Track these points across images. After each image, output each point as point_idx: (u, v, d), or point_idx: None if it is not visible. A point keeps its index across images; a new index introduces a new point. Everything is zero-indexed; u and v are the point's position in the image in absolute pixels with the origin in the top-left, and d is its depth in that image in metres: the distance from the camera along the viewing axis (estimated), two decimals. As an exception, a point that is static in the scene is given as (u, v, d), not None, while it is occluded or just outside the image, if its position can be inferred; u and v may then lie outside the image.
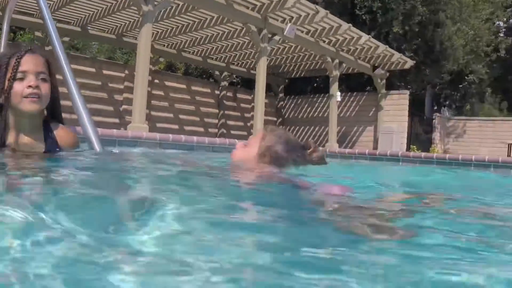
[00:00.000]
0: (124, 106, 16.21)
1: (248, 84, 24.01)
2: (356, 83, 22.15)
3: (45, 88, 2.93)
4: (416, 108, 24.37)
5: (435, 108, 29.85)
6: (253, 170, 3.07)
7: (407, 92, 19.39)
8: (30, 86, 2.85)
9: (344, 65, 17.09)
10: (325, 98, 20.36)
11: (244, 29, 14.16)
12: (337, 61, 16.66)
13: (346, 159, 11.39)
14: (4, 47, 6.18)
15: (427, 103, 28.60)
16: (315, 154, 3.17)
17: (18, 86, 2.84)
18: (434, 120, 25.44)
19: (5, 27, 5.94)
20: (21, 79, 2.85)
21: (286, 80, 22.29)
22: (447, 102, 30.76)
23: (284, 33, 13.80)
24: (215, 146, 8.70)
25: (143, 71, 10.58)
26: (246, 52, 18.10)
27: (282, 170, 3.06)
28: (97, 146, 4.04)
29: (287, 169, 3.07)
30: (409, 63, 18.29)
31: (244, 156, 3.17)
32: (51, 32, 4.65)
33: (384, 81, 19.04)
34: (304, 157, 3.13)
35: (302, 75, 21.49)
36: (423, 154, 10.87)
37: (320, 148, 3.22)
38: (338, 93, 16.95)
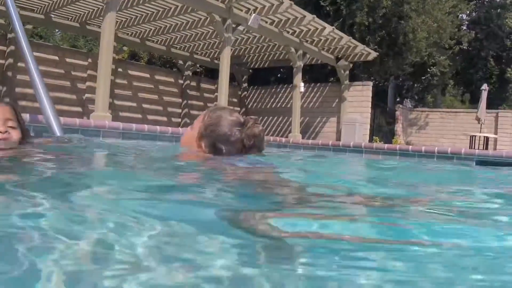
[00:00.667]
0: (87, 95, 16.09)
1: (212, 73, 24.01)
2: (319, 74, 22.30)
3: (15, 134, 3.19)
4: (378, 100, 24.62)
5: (398, 99, 30.16)
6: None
7: (371, 83, 19.55)
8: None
9: (307, 56, 17.17)
10: (289, 89, 20.43)
11: (208, 18, 14.15)
12: (300, 51, 16.74)
13: (309, 150, 11.47)
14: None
15: (389, 95, 28.89)
16: (250, 130, 3.01)
17: None
18: (396, 112, 25.71)
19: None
20: None
21: (250, 71, 22.31)
22: (410, 94, 31.13)
23: (248, 23, 13.82)
24: (178, 136, 8.71)
25: (106, 59, 10.52)
26: (210, 42, 18.06)
27: (219, 156, 2.99)
28: (57, 131, 4.07)
29: (224, 155, 2.98)
30: (373, 54, 18.44)
31: (187, 139, 3.17)
32: (13, 18, 4.64)
33: (347, 72, 19.18)
34: (240, 134, 2.99)
35: (266, 66, 21.51)
36: (386, 145, 10.97)
37: (261, 127, 3.10)
38: (302, 84, 17.03)
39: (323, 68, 21.69)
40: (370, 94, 19.28)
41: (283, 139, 12.60)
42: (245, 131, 3.00)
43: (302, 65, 16.95)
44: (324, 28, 15.73)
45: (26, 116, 6.40)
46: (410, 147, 10.81)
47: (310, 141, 12.65)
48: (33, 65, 4.42)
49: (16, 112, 3.30)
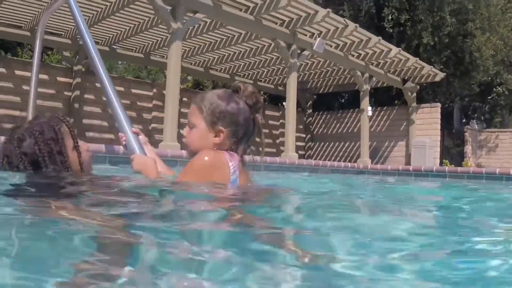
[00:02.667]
0: (153, 125, 16.19)
1: (276, 100, 23.88)
2: (384, 97, 21.88)
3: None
4: (444, 122, 23.96)
5: (464, 121, 29.40)
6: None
7: (439, 105, 19.04)
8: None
9: (374, 79, 16.82)
10: (354, 113, 20.13)
11: (272, 45, 14.04)
12: (367, 75, 16.42)
13: (388, 175, 11.06)
14: (37, 65, 6.11)
15: (455, 116, 28.20)
16: (246, 91, 2.94)
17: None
18: (465, 133, 25.01)
19: (38, 42, 5.83)
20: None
21: (314, 96, 22.09)
22: (476, 115, 30.33)
23: (314, 48, 13.60)
24: (259, 165, 8.51)
25: (173, 89, 10.44)
26: (274, 69, 17.96)
27: (239, 144, 2.93)
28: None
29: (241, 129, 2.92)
30: (440, 75, 17.98)
31: (197, 138, 2.95)
32: (92, 53, 4.52)
33: (414, 94, 18.75)
34: (242, 98, 2.92)
35: (330, 90, 21.24)
36: (471, 169, 10.44)
37: (251, 85, 3.00)
38: (369, 108, 16.68)
39: (388, 90, 21.28)
40: (439, 115, 18.79)
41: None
42: (243, 94, 2.93)
43: (369, 88, 16.61)
44: (390, 50, 15.40)
45: (101, 147, 6.29)
46: (497, 169, 10.23)
47: (389, 167, 12.16)
48: (113, 96, 4.25)
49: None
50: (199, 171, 2.81)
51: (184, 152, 7.06)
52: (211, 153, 2.85)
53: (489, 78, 22.90)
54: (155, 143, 14.43)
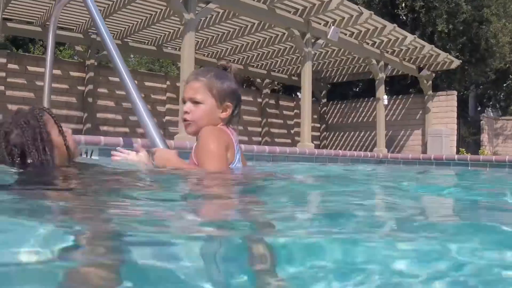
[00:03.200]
0: (167, 117, 16.11)
1: (290, 90, 23.77)
2: (399, 85, 21.68)
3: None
4: (459, 110, 23.74)
5: (479, 109, 29.11)
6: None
7: (455, 92, 18.84)
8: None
9: (389, 67, 16.63)
10: (369, 102, 19.97)
11: (286, 34, 13.93)
12: (382, 63, 16.23)
13: (409, 165, 10.84)
14: (51, 60, 6.01)
15: (470, 104, 27.91)
16: (234, 69, 3.28)
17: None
18: (481, 121, 24.72)
19: (50, 37, 5.73)
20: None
21: (329, 85, 21.93)
22: (491, 103, 30.01)
23: (328, 36, 13.44)
24: (279, 155, 8.38)
25: (187, 80, 10.32)
26: (288, 58, 17.84)
27: (235, 117, 3.26)
28: (160, 144, 3.78)
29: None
30: (456, 62, 17.76)
31: (204, 113, 3.07)
32: (109, 46, 4.44)
33: (430, 82, 18.55)
34: (232, 75, 3.22)
35: (344, 80, 21.08)
36: (494, 157, 10.18)
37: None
38: (385, 97, 16.50)
39: (404, 79, 21.07)
40: (455, 103, 18.60)
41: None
42: (232, 72, 3.25)
43: (384, 77, 16.43)
44: (405, 37, 15.20)
45: (118, 140, 6.18)
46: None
47: (410, 155, 11.93)
48: (133, 89, 4.16)
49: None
50: (217, 139, 3.01)
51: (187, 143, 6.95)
52: (216, 128, 3.10)
53: (505, 65, 22.58)
54: (169, 136, 14.38)
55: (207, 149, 2.95)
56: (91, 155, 6.05)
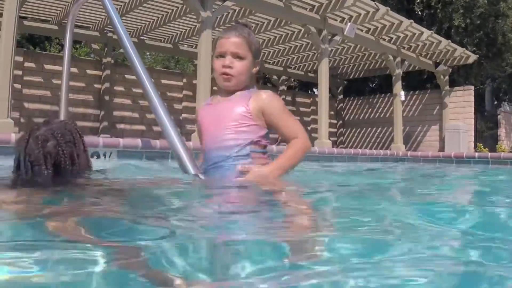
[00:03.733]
0: (183, 115, 16.10)
1: (306, 87, 23.69)
2: (416, 81, 21.52)
3: None
4: (476, 104, 23.54)
5: (495, 103, 28.88)
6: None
7: (472, 87, 18.67)
8: None
9: (406, 62, 16.54)
10: (386, 98, 19.88)
11: (303, 31, 13.89)
12: (399, 59, 16.15)
13: (429, 162, 10.74)
14: (68, 58, 6.01)
15: (487, 99, 27.69)
16: (249, 26, 3.49)
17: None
18: (498, 116, 24.53)
19: (68, 35, 5.73)
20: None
21: (345, 82, 21.85)
22: (507, 97, 29.76)
23: (344, 33, 13.39)
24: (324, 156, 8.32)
25: (204, 78, 10.30)
26: (304, 55, 17.79)
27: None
28: (191, 168, 3.52)
29: None
30: (472, 57, 17.63)
31: (246, 68, 3.25)
32: (128, 49, 4.42)
33: (447, 77, 18.42)
34: None
35: (361, 76, 21.00)
36: None
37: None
38: (402, 92, 16.38)
39: (420, 74, 20.93)
40: (472, 99, 18.43)
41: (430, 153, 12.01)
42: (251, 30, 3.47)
43: (401, 72, 16.33)
44: (422, 32, 15.12)
45: (137, 142, 6.16)
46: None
47: (419, 153, 11.86)
48: (152, 91, 4.10)
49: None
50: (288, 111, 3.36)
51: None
52: (277, 95, 3.42)
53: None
54: (186, 134, 14.38)
55: (288, 114, 3.30)
56: (109, 157, 6.02)
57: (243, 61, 3.22)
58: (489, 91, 27.56)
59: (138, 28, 14.56)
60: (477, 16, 19.25)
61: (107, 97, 14.66)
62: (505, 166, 9.25)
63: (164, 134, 3.81)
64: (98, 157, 5.73)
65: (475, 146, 19.41)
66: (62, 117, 6.95)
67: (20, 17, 12.53)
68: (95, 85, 14.67)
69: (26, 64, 13.39)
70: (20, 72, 13.02)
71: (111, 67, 14.81)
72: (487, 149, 19.47)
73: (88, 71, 14.61)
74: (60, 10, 12.98)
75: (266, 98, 3.22)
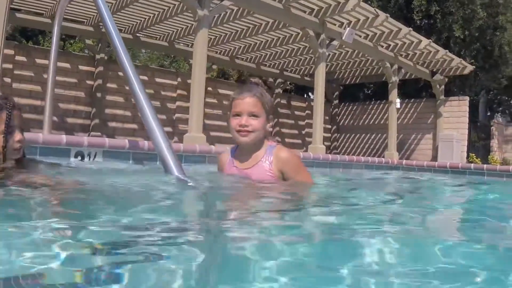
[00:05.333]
0: (177, 115, 15.91)
1: (301, 90, 23.59)
2: (412, 89, 21.45)
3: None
4: (469, 115, 23.52)
5: (488, 114, 28.91)
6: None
7: (467, 98, 18.61)
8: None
9: (402, 70, 16.42)
10: (381, 105, 19.78)
11: (300, 34, 13.75)
12: (396, 66, 16.02)
13: (424, 171, 10.56)
14: (55, 52, 5.80)
15: (480, 110, 27.71)
16: (261, 84, 3.66)
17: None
18: (492, 127, 24.50)
19: (56, 29, 5.54)
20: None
21: (341, 87, 21.72)
22: (501, 108, 29.82)
23: (343, 38, 13.23)
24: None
25: (199, 78, 10.11)
26: (301, 59, 17.66)
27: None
28: (175, 170, 3.57)
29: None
30: (469, 68, 17.56)
31: (262, 125, 3.48)
32: (115, 43, 4.28)
33: (443, 87, 18.34)
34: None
35: (357, 81, 20.87)
36: (511, 167, 9.86)
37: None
38: (398, 100, 16.31)
39: (416, 83, 20.85)
40: (467, 109, 18.39)
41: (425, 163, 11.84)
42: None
43: (398, 80, 16.21)
44: (420, 41, 15.00)
45: (124, 143, 5.91)
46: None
47: (425, 163, 11.58)
48: (139, 89, 3.97)
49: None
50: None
51: (212, 148, 6.76)
52: (292, 151, 3.70)
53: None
54: (179, 134, 14.20)
55: (303, 169, 3.62)
56: (94, 158, 5.74)
57: (259, 118, 3.46)
58: (482, 102, 27.61)
59: (133, 24, 14.35)
60: (476, 28, 19.17)
61: (99, 94, 14.45)
62: (501, 179, 9.10)
63: (149, 135, 3.81)
64: (83, 157, 5.49)
65: (468, 156, 19.34)
66: (47, 111, 6.75)
67: (13, 9, 12.34)
68: (88, 82, 14.45)
69: (17, 57, 13.17)
70: (10, 66, 12.78)
71: (104, 64, 14.58)
72: (479, 159, 19.42)
73: (81, 67, 14.38)
74: (54, 4, 12.72)
75: (286, 158, 3.51)
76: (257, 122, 3.45)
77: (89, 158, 5.66)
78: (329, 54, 14.70)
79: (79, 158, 5.47)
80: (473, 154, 20.21)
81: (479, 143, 24.35)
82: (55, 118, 13.29)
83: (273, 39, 15.43)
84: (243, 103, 3.49)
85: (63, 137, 5.32)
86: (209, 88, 16.55)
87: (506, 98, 27.58)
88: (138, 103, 3.99)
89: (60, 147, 5.26)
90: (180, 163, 3.53)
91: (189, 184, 3.55)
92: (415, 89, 21.42)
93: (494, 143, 24.31)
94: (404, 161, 11.75)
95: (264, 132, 3.52)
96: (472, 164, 10.47)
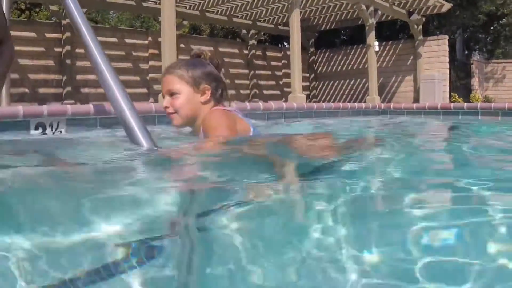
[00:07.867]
0: (150, 75, 15.49)
1: (276, 40, 23.23)
2: (389, 31, 21.15)
3: None
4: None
5: (466, 53, 28.68)
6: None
7: (446, 37, 18.30)
8: None
9: (379, 12, 16.03)
10: (359, 49, 19.43)
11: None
12: (371, 8, 15.62)
13: (414, 115, 10.21)
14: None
15: (458, 48, 27.45)
16: (208, 54, 3.43)
17: None
18: (472, 65, 24.27)
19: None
20: None
21: (316, 34, 21.31)
22: (478, 46, 29.58)
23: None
24: (275, 112, 7.77)
25: (169, 36, 9.68)
26: (273, 7, 17.16)
27: (222, 98, 3.38)
28: (144, 141, 3.03)
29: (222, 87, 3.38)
30: (446, 6, 17.19)
31: (183, 102, 3.20)
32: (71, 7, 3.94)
33: (420, 27, 18.00)
34: (206, 60, 3.40)
35: (332, 27, 20.45)
36: (506, 104, 9.49)
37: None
38: (376, 43, 15.93)
39: (393, 24, 20.54)
40: (447, 48, 18.10)
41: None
42: (206, 57, 3.40)
43: (375, 22, 15.83)
44: (396, -20, 14.63)
45: (88, 108, 5.46)
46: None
47: (416, 105, 11.28)
48: (98, 52, 3.65)
49: None
50: (225, 122, 3.04)
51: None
52: (217, 110, 3.22)
53: (496, 8, 22.06)
54: (154, 94, 13.81)
55: (216, 124, 3.04)
56: (56, 129, 5.24)
57: (178, 96, 3.21)
58: (459, 41, 27.29)
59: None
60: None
61: (68, 61, 13.98)
62: (497, 118, 8.79)
63: (110, 100, 3.38)
64: (44, 129, 5.04)
65: (450, 96, 19.15)
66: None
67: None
68: (56, 49, 13.95)
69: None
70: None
71: (71, 29, 14.03)
72: (461, 99, 19.25)
73: (47, 35, 13.86)
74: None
75: (203, 120, 3.14)
76: (178, 100, 3.20)
77: (51, 129, 5.19)
78: (302, 0, 14.28)
79: (40, 130, 5.03)
80: (455, 94, 20.04)
81: (459, 82, 24.15)
82: (26, 90, 12.92)
83: (244, -12, 15.00)
84: (162, 84, 3.32)
85: (20, 108, 4.86)
86: (182, 45, 16.07)
87: (484, 36, 27.31)
88: (93, 61, 3.63)
89: (18, 120, 4.81)
90: (149, 132, 3.07)
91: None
92: (392, 31, 21.13)
93: (475, 81, 24.15)
94: (392, 105, 11.40)
95: (195, 106, 3.23)
96: (465, 104, 10.14)
